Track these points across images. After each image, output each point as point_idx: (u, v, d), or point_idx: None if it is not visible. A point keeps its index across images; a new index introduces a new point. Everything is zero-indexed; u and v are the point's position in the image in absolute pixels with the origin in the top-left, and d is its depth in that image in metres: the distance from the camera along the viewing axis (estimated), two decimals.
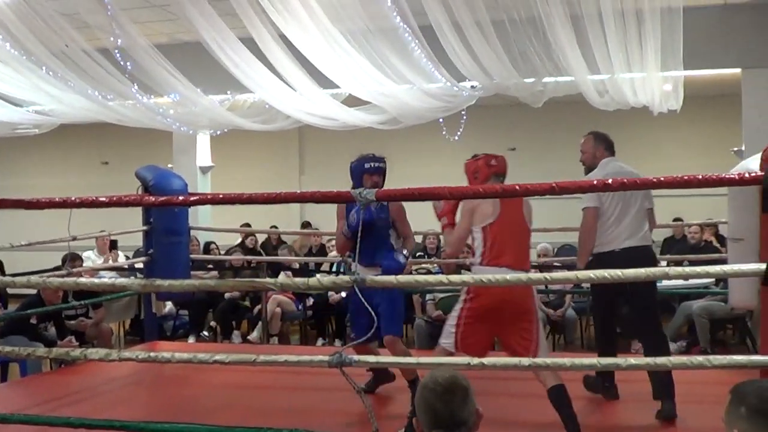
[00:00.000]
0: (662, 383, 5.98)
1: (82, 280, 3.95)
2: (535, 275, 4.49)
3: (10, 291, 12.41)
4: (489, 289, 5.14)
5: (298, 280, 4.63)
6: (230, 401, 6.78)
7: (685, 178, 4.19)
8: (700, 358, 4.26)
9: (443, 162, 16.02)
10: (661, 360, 4.27)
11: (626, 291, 6.12)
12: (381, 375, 6.59)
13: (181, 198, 4.32)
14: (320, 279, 4.52)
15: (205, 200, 4.56)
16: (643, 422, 6.01)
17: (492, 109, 14.61)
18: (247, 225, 14.21)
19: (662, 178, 4.27)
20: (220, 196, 4.64)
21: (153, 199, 4.25)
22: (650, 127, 14.08)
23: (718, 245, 11.67)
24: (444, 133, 12.59)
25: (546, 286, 10.16)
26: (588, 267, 6.14)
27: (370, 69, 9.93)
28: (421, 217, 12.94)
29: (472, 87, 10.64)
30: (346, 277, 4.18)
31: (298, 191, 12.08)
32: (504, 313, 5.39)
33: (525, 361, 4.29)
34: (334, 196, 4.01)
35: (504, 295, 5.33)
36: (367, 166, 6.16)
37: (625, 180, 4.47)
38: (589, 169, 6.49)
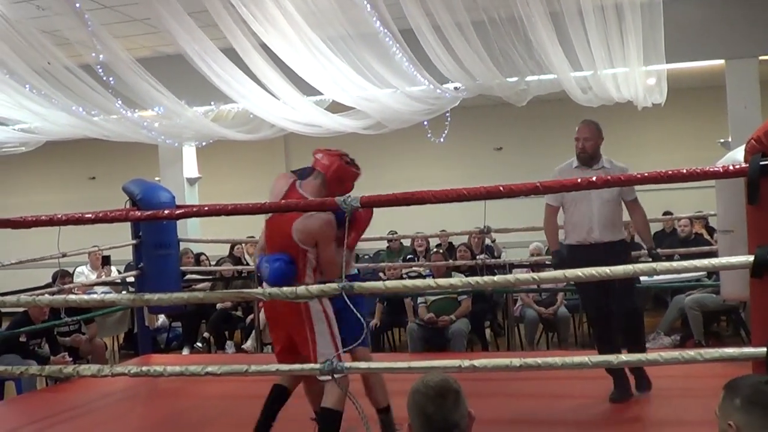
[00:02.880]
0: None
1: (72, 296, 3.96)
2: (522, 275, 4.48)
3: (2, 310, 12.38)
4: None
5: (286, 289, 4.60)
6: (225, 412, 6.77)
7: (670, 172, 4.20)
8: (691, 352, 4.27)
9: (429, 165, 16.08)
10: (652, 356, 4.27)
11: (608, 286, 6.21)
12: None
13: (167, 212, 4.31)
14: (308, 288, 4.50)
15: (190, 213, 4.55)
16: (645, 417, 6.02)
17: (476, 110, 14.64)
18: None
19: (647, 174, 4.28)
20: (205, 208, 4.63)
21: (139, 213, 4.24)
22: (635, 121, 14.08)
23: (708, 237, 11.69)
24: (429, 135, 12.59)
25: (538, 286, 10.18)
26: (562, 259, 6.46)
27: (352, 74, 9.93)
28: (409, 221, 12.98)
29: (456, 88, 10.65)
30: (334, 285, 4.17)
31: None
32: (271, 318, 5.39)
33: (516, 361, 4.28)
34: (318, 204, 4.01)
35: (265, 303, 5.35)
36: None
37: (609, 177, 4.46)
38: (590, 158, 6.48)
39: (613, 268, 4.29)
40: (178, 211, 4.37)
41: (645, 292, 10.68)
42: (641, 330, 6.65)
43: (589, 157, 6.47)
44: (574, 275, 4.42)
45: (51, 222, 4.39)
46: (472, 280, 4.30)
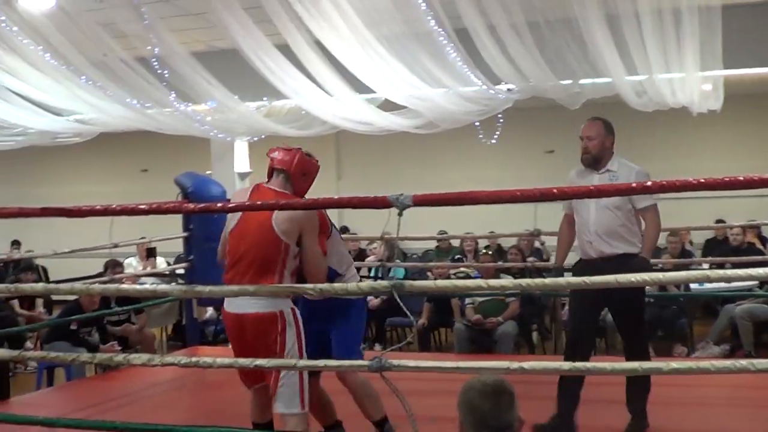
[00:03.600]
0: (638, 398, 5.83)
1: (125, 286, 3.95)
2: (573, 279, 4.44)
3: (54, 297, 12.55)
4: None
5: (337, 285, 4.61)
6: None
7: (727, 179, 4.09)
8: (743, 362, 4.20)
9: (480, 165, 16.04)
10: (704, 364, 4.21)
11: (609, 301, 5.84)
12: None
13: (219, 205, 4.34)
14: (359, 284, 4.50)
15: (243, 207, 4.58)
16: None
17: (529, 112, 14.55)
18: None
19: (703, 180, 4.18)
20: (258, 203, 4.65)
21: (192, 206, 4.26)
22: (690, 127, 13.94)
23: (761, 247, 11.56)
24: (480, 136, 12.55)
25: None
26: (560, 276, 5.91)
27: (406, 73, 9.92)
28: (458, 221, 12.95)
29: (509, 90, 10.58)
30: (385, 282, 4.15)
31: (336, 197, 12.08)
32: (235, 338, 5.07)
33: (566, 365, 4.24)
34: (371, 201, 4.00)
35: (227, 318, 5.03)
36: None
37: (664, 182, 4.35)
38: (594, 159, 5.84)
39: (669, 274, 4.24)
40: (230, 205, 4.39)
41: (695, 300, 10.58)
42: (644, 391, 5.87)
43: (593, 159, 5.85)
44: (641, 280, 4.24)
45: (105, 212, 4.42)
46: (523, 282, 4.29)
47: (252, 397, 5.24)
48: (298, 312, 4.93)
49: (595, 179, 5.77)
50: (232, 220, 4.99)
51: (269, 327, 4.80)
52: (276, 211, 4.79)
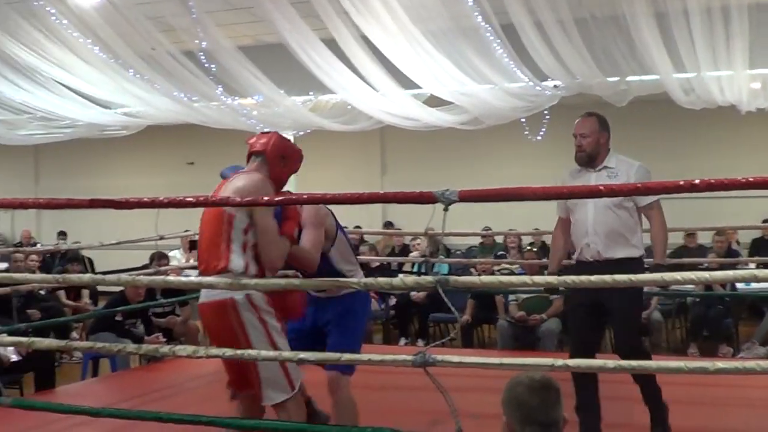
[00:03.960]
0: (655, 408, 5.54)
1: (170, 278, 3.91)
2: (619, 277, 4.38)
3: (99, 289, 12.68)
4: None
5: (382, 280, 4.59)
6: (316, 399, 6.82)
7: None
8: None
9: (525, 162, 15.96)
10: (750, 364, 4.16)
11: (599, 321, 5.52)
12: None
13: (266, 198, 4.34)
14: (404, 279, 4.50)
15: (290, 200, 4.58)
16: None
17: (575, 109, 14.30)
18: None
19: (752, 179, 4.11)
20: (305, 196, 4.65)
21: (239, 199, 4.26)
22: (739, 125, 13.79)
23: None
24: (526, 133, 12.51)
25: None
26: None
27: (452, 69, 9.92)
28: (502, 217, 12.91)
29: (555, 86, 10.55)
30: (430, 278, 4.12)
31: (381, 191, 12.09)
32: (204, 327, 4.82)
33: (611, 363, 4.20)
34: (416, 196, 4.00)
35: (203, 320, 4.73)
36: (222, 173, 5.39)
37: (712, 181, 4.25)
38: (588, 157, 5.45)
39: (715, 273, 4.20)
40: (277, 198, 4.39)
41: (741, 300, 10.48)
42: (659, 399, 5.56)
43: (587, 157, 5.45)
44: (673, 279, 4.21)
45: (153, 204, 4.43)
46: (569, 279, 4.24)
47: (238, 406, 4.96)
48: (258, 297, 4.47)
49: (592, 178, 5.42)
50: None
51: (222, 315, 4.45)
52: (226, 188, 4.56)
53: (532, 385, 2.94)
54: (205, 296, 4.56)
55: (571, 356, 5.26)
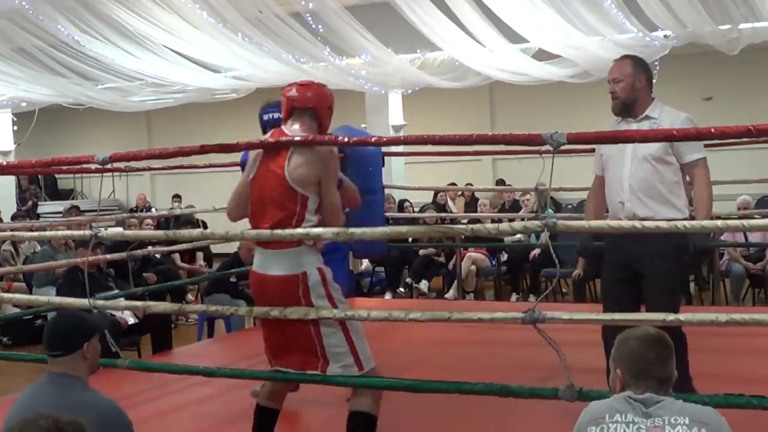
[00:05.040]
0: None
1: (278, 231, 3.90)
2: (732, 222, 4.37)
3: (213, 251, 12.99)
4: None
5: (489, 225, 4.66)
6: (426, 356, 6.91)
7: None
8: None
9: None
10: None
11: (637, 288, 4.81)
12: None
13: (374, 139, 4.41)
14: (511, 224, 4.54)
15: (398, 140, 4.67)
16: None
17: (686, 59, 14.18)
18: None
19: None
20: (413, 136, 4.71)
21: (346, 139, 4.29)
22: None
23: None
24: None
25: (746, 239, 9.89)
26: (585, 247, 5.36)
27: (560, 22, 9.85)
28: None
29: (665, 36, 10.37)
30: (537, 222, 4.02)
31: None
32: (256, 298, 4.55)
33: (722, 316, 3.96)
34: (525, 138, 4.01)
35: (255, 277, 4.46)
36: (266, 118, 5.40)
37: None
38: (623, 105, 4.78)
39: None
40: (385, 138, 4.47)
41: None
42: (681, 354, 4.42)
43: (622, 105, 4.79)
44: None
45: (261, 145, 4.23)
46: (679, 224, 4.16)
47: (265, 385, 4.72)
48: (328, 272, 4.32)
49: (633, 129, 4.67)
50: (252, 170, 4.35)
51: (293, 290, 4.21)
52: (288, 158, 4.17)
53: (648, 339, 2.93)
54: (271, 268, 4.29)
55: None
